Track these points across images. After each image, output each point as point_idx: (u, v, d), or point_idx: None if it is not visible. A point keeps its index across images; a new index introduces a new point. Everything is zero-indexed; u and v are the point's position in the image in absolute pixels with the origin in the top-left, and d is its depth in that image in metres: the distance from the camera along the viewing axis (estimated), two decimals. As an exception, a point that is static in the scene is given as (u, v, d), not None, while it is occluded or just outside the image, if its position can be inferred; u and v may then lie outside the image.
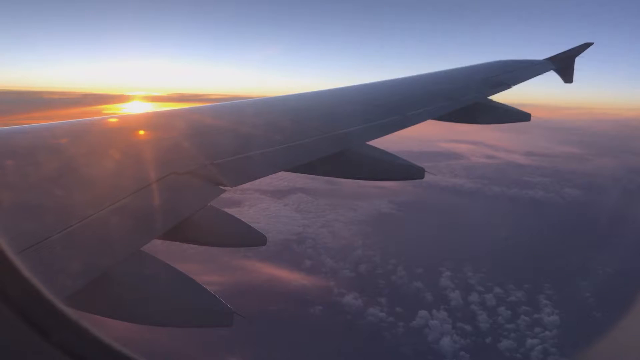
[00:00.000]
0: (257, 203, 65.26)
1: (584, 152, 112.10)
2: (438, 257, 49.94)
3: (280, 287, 42.96)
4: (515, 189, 77.17)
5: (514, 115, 6.52)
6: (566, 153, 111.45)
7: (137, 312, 2.78)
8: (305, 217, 61.25)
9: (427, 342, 37.71)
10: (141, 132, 4.41)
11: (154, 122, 4.80)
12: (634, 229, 51.71)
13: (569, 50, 8.79)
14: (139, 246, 2.65)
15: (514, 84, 7.23)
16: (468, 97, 6.41)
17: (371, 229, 57.98)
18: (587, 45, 8.82)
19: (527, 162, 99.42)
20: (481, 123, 6.56)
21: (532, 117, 6.53)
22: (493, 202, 71.45)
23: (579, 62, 8.84)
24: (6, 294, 1.53)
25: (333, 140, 4.51)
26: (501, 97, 6.71)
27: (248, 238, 3.86)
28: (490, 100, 6.56)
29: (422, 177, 4.63)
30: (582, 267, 46.88)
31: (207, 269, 37.68)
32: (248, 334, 32.59)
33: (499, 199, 72.82)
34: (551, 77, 8.86)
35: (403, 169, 4.65)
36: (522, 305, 43.17)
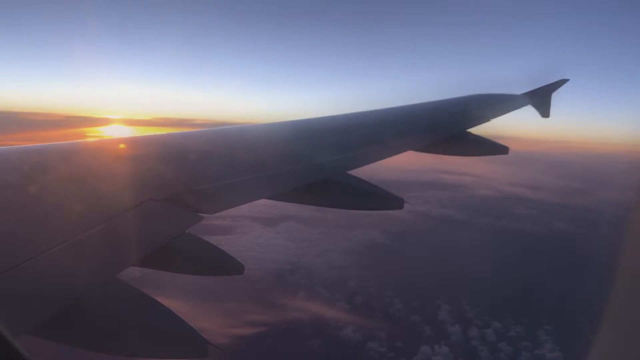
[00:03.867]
0: (248, 231, 64.15)
1: (570, 184, 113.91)
2: (434, 289, 49.43)
3: (276, 320, 41.72)
4: (504, 220, 77.50)
5: (492, 148, 6.51)
6: (551, 185, 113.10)
7: (109, 341, 2.59)
8: (299, 247, 60.33)
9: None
10: (120, 157, 4.39)
11: (133, 146, 4.67)
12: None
13: (546, 85, 8.94)
14: (115, 273, 2.61)
15: (493, 118, 7.31)
16: (447, 130, 6.52)
17: (365, 259, 57.29)
18: (563, 82, 8.96)
19: (514, 193, 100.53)
20: (460, 155, 6.61)
21: (512, 150, 6.59)
22: (482, 233, 71.46)
23: (556, 96, 8.96)
24: None
25: (312, 168, 4.59)
26: (480, 130, 6.74)
27: (225, 266, 3.62)
28: (469, 133, 6.57)
29: (401, 207, 4.62)
30: (578, 302, 46.74)
31: (200, 301, 36.40)
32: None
33: (487, 231, 72.96)
34: (529, 111, 8.90)
35: (382, 199, 4.61)
36: (522, 340, 42.67)
